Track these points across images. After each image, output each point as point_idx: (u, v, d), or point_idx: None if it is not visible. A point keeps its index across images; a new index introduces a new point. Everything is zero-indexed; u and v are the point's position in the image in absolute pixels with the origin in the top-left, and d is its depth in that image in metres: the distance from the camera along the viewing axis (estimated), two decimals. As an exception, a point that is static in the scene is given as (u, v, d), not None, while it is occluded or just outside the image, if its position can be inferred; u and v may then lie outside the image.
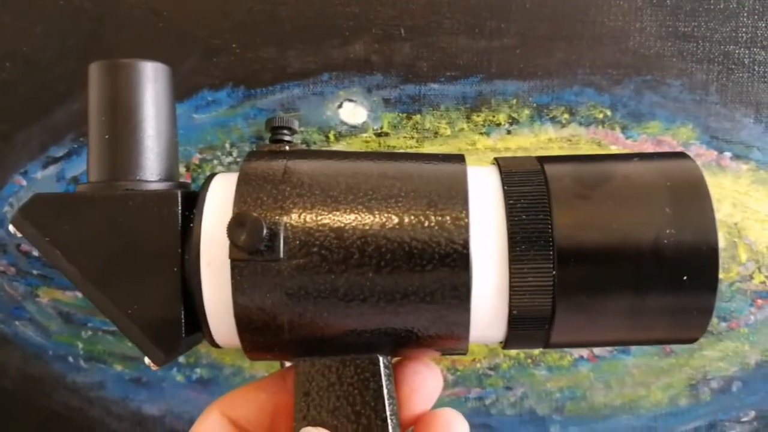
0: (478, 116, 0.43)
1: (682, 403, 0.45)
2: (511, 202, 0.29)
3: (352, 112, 0.43)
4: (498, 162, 0.31)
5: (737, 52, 0.42)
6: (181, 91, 0.43)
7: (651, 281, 0.28)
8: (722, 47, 0.42)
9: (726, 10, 0.41)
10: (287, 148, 0.33)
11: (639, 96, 0.42)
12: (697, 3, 0.41)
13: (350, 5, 0.42)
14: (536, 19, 0.41)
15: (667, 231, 0.28)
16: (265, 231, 0.28)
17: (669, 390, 0.45)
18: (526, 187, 0.29)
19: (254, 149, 0.33)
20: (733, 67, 0.42)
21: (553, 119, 0.42)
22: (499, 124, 0.43)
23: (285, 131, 0.34)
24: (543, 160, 0.31)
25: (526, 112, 0.42)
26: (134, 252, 0.30)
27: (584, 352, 0.45)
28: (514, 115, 0.42)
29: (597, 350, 0.45)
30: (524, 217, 0.29)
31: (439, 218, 0.29)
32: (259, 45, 0.42)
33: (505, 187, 0.30)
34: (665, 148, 0.43)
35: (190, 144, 0.43)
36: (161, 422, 0.47)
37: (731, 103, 0.42)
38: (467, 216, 0.29)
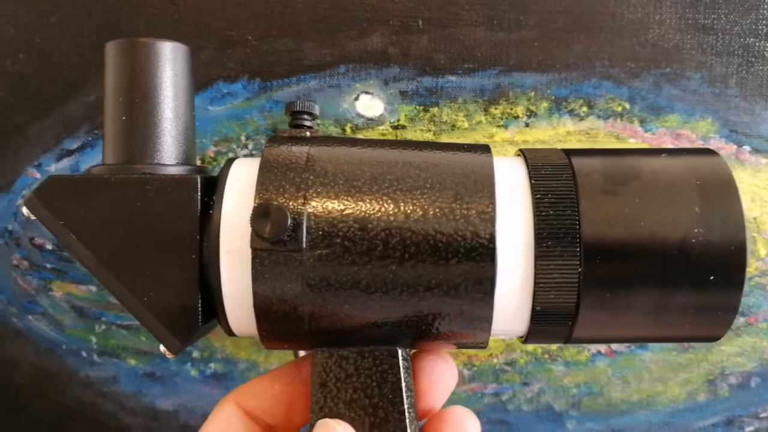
0: (496, 109, 0.42)
1: (700, 399, 0.45)
2: (539, 196, 0.29)
3: (369, 105, 0.43)
4: (524, 154, 0.31)
5: (757, 44, 0.41)
6: (196, 83, 0.43)
7: (677, 280, 0.28)
8: (742, 40, 0.41)
9: (746, 2, 0.41)
10: (308, 133, 0.32)
11: (658, 89, 0.42)
12: (717, -5, 0.41)
13: (367, -3, 0.41)
14: (555, 11, 0.41)
15: (696, 230, 0.28)
16: (289, 221, 0.27)
17: (687, 385, 0.45)
18: (554, 181, 0.29)
19: (275, 134, 0.32)
20: (753, 60, 0.41)
21: (571, 112, 0.42)
22: (517, 117, 0.42)
23: (306, 116, 0.33)
24: (570, 153, 0.31)
25: (545, 104, 0.42)
26: (151, 237, 0.29)
27: (602, 347, 0.44)
28: (533, 107, 0.42)
29: (614, 345, 0.44)
30: (551, 212, 0.28)
31: (465, 211, 0.28)
32: (276, 37, 0.42)
33: (533, 181, 0.29)
34: (684, 142, 0.42)
35: (206, 136, 0.43)
36: (175, 417, 0.47)
37: (751, 97, 0.42)
38: (494, 210, 0.28)
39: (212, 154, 0.43)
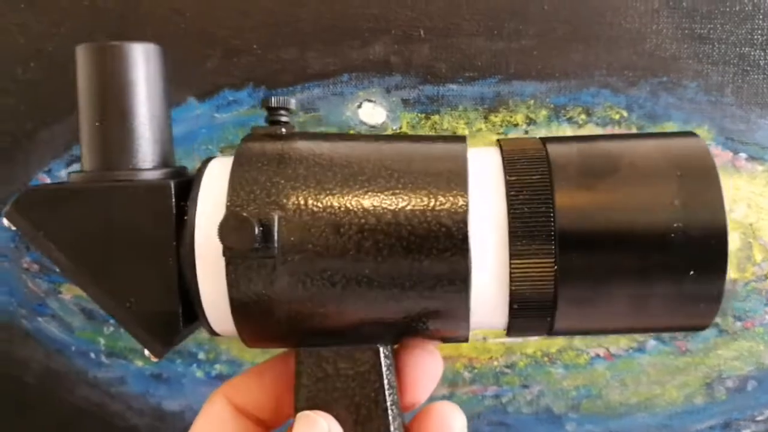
0: (495, 117, 0.43)
1: (698, 402, 0.46)
2: (513, 193, 0.28)
3: (372, 112, 0.43)
4: (500, 145, 0.30)
5: (753, 54, 0.42)
6: (202, 90, 0.43)
7: (657, 274, 0.28)
8: (738, 49, 0.42)
9: (742, 12, 0.42)
10: (284, 130, 0.31)
11: (655, 97, 0.43)
12: (713, 5, 0.42)
13: (370, 7, 0.42)
14: (554, 20, 0.42)
15: (675, 225, 0.27)
16: (257, 231, 0.27)
17: (684, 389, 0.45)
18: (529, 176, 0.28)
19: (252, 130, 0.32)
20: (749, 68, 0.42)
21: (570, 120, 0.43)
22: (516, 125, 0.43)
23: (282, 111, 0.32)
24: (547, 142, 0.30)
25: (544, 112, 0.43)
26: (129, 244, 0.29)
27: (600, 350, 0.45)
28: (532, 115, 0.43)
29: (613, 349, 0.45)
30: (526, 209, 0.28)
31: (438, 211, 0.28)
32: (280, 45, 0.43)
33: (507, 177, 0.29)
34: (681, 149, 0.43)
35: (212, 143, 0.44)
36: (181, 417, 0.47)
37: (747, 105, 0.42)
38: (466, 209, 0.28)
39: (218, 161, 0.44)
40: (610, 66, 0.42)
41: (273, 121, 0.32)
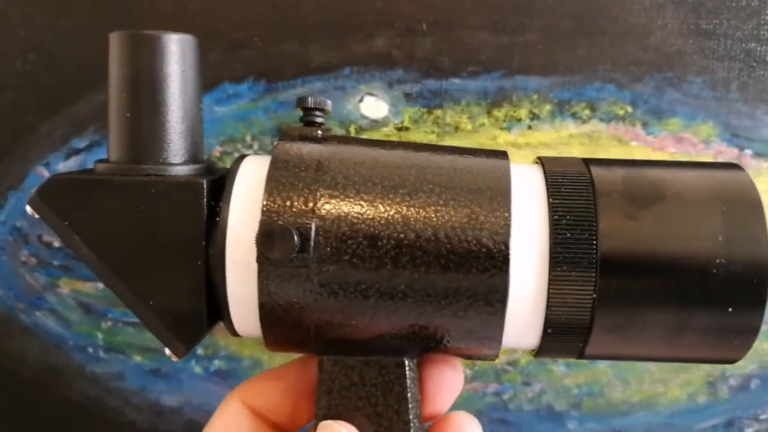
0: (499, 111, 0.43)
1: (701, 401, 0.45)
2: (556, 217, 0.28)
3: (373, 107, 0.43)
4: (543, 164, 0.30)
5: (759, 49, 0.42)
6: (203, 83, 0.43)
7: (695, 307, 0.27)
8: (744, 45, 0.42)
9: (748, 7, 0.41)
10: (319, 132, 0.31)
11: (660, 93, 0.42)
12: (719, 0, 0.41)
13: (373, 0, 0.42)
14: (558, 15, 0.42)
15: (717, 260, 0.27)
16: (296, 240, 0.27)
17: (687, 387, 0.45)
18: (573, 201, 0.28)
19: (286, 129, 0.31)
20: (755, 64, 0.42)
21: (574, 115, 0.43)
22: (519, 120, 0.43)
23: (318, 113, 0.31)
24: (591, 165, 0.29)
25: (547, 107, 0.43)
26: (157, 241, 0.29)
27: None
28: (535, 110, 0.43)
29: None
30: (569, 235, 0.27)
31: (479, 229, 0.27)
32: (282, 39, 0.42)
33: (551, 200, 0.28)
34: (686, 145, 0.43)
35: (212, 136, 0.44)
36: (179, 413, 0.47)
37: (752, 101, 0.42)
38: (508, 231, 0.27)
39: (218, 154, 0.44)
40: (615, 61, 0.42)
41: (308, 122, 0.31)
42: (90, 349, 0.47)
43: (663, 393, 0.45)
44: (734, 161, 0.42)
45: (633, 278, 0.27)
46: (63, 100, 0.44)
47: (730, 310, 0.27)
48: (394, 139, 0.43)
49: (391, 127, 0.43)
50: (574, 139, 0.43)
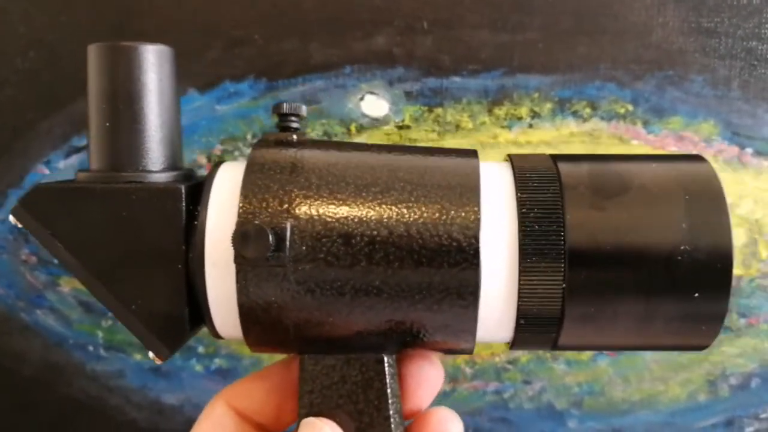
0: (499, 110, 0.43)
1: (701, 399, 0.45)
2: (524, 210, 0.28)
3: (374, 105, 0.43)
4: (512, 161, 0.31)
5: (760, 48, 0.42)
6: (203, 82, 0.43)
7: (662, 295, 0.28)
8: (745, 43, 0.42)
9: (749, 6, 0.41)
10: (295, 137, 0.31)
11: (661, 91, 0.42)
12: (721, -2, 0.41)
13: (373, -2, 0.42)
14: (559, 13, 0.41)
15: (682, 247, 0.28)
16: (271, 239, 0.27)
17: (687, 385, 0.45)
18: (541, 194, 0.29)
19: (262, 136, 0.32)
20: (756, 63, 0.42)
21: (574, 113, 0.42)
22: (520, 118, 0.43)
23: (293, 118, 0.32)
24: (558, 160, 0.30)
25: (548, 106, 0.42)
26: (137, 247, 0.29)
27: (603, 346, 0.45)
28: (536, 109, 0.43)
29: (615, 345, 0.45)
30: (537, 227, 0.28)
31: (449, 226, 0.28)
32: (282, 37, 0.42)
33: (519, 194, 0.29)
34: (687, 144, 0.43)
35: (212, 135, 0.44)
36: (180, 412, 0.47)
37: (753, 99, 0.42)
38: (478, 225, 0.28)
39: (219, 153, 0.44)
40: (616, 59, 0.42)
41: (284, 128, 0.32)
42: (90, 348, 0.47)
43: (663, 392, 0.45)
44: (735, 159, 0.42)
45: (600, 268, 0.28)
46: (63, 97, 0.44)
47: (696, 295, 0.28)
48: (395, 137, 0.43)
49: (392, 125, 0.43)
50: (575, 137, 0.43)
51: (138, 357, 0.46)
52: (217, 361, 0.46)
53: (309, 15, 0.42)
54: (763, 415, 0.45)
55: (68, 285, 0.46)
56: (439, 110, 0.43)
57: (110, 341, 0.46)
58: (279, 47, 0.43)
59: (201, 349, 0.46)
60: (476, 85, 0.42)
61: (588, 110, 0.42)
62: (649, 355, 0.45)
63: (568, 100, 0.42)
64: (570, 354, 0.45)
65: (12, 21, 0.43)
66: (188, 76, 0.43)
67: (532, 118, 0.43)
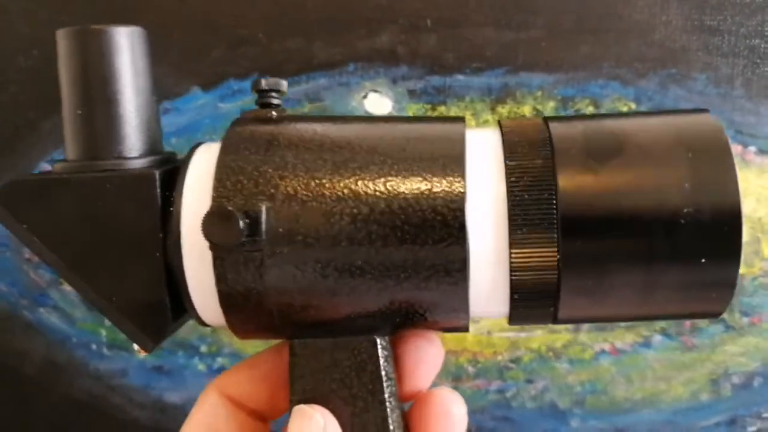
0: (503, 108, 0.43)
1: (703, 398, 0.45)
2: (513, 179, 0.27)
3: (377, 103, 0.43)
4: (500, 126, 0.29)
5: (763, 46, 0.42)
6: (207, 80, 0.43)
7: (665, 261, 0.26)
8: (748, 41, 0.42)
9: (752, 4, 0.41)
10: (274, 113, 0.30)
11: (664, 89, 0.42)
12: (724, -3, 0.41)
13: (377, -4, 0.42)
14: (562, 11, 0.42)
15: (685, 210, 0.25)
16: (242, 225, 0.26)
17: (690, 385, 0.45)
18: (530, 161, 0.27)
19: (241, 113, 0.30)
20: (759, 61, 0.42)
21: (577, 112, 0.43)
22: (523, 116, 0.43)
23: (273, 94, 0.30)
24: (549, 122, 0.28)
25: (551, 104, 0.43)
26: (114, 236, 0.28)
27: (606, 345, 0.45)
28: (539, 107, 0.43)
29: (619, 344, 0.45)
30: (526, 196, 0.26)
31: (433, 198, 0.26)
32: (286, 35, 0.42)
33: (507, 162, 0.27)
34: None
35: (215, 133, 0.44)
36: (182, 410, 0.47)
37: (756, 98, 0.42)
38: (463, 194, 0.26)
39: (222, 151, 0.44)
40: (619, 58, 0.42)
41: (263, 104, 0.30)
42: (93, 346, 0.47)
43: (666, 391, 0.45)
44: (738, 158, 0.42)
45: (597, 235, 0.26)
46: (66, 96, 0.44)
47: (703, 261, 0.26)
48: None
49: (395, 123, 0.43)
50: (578, 135, 0.43)
51: (141, 356, 0.46)
52: (220, 360, 0.46)
53: (313, 13, 0.42)
54: (765, 414, 0.45)
55: (71, 283, 0.46)
56: (442, 108, 0.43)
57: (113, 340, 0.46)
58: (283, 45, 0.43)
59: (203, 348, 0.46)
60: (479, 83, 0.42)
61: (591, 108, 0.42)
62: (651, 354, 0.45)
63: (571, 98, 0.42)
64: (572, 353, 0.45)
65: (14, 20, 0.43)
66: (192, 74, 0.43)
67: (536, 116, 0.43)
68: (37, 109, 0.44)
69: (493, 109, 0.43)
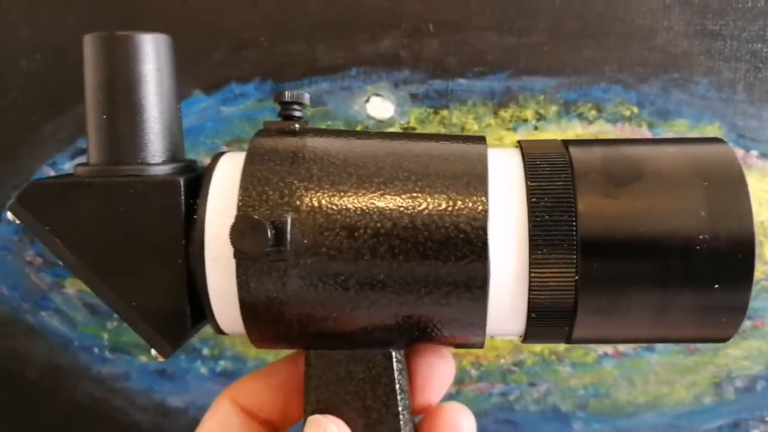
0: (505, 112, 0.43)
1: (706, 402, 0.45)
2: (534, 200, 0.27)
3: (380, 107, 0.43)
4: (521, 147, 0.29)
5: (765, 50, 0.42)
6: (209, 83, 0.43)
7: (680, 285, 0.27)
8: (750, 46, 0.42)
9: (754, 8, 0.41)
10: (297, 126, 0.30)
11: (666, 94, 0.42)
12: (725, 1, 0.41)
13: (379, 0, 0.42)
14: (565, 16, 0.42)
15: (701, 237, 0.26)
16: (270, 234, 0.26)
17: (693, 388, 0.45)
18: (551, 183, 0.28)
19: (264, 124, 0.31)
20: (761, 65, 0.42)
21: (580, 116, 0.43)
22: (526, 120, 0.43)
23: (295, 106, 0.31)
24: (569, 145, 0.29)
25: (554, 108, 0.43)
26: (137, 242, 0.29)
27: (609, 348, 0.45)
28: (542, 111, 0.43)
29: (621, 347, 0.45)
30: (547, 217, 0.27)
31: (456, 215, 0.27)
32: (288, 39, 0.42)
33: (529, 182, 0.28)
34: (692, 146, 0.43)
35: (218, 136, 0.44)
36: (185, 414, 0.47)
37: (758, 102, 0.42)
38: (486, 216, 0.27)
39: (224, 154, 0.44)
40: (621, 62, 0.42)
41: (286, 116, 0.31)
42: (95, 350, 0.47)
43: (669, 394, 0.45)
44: (740, 162, 0.42)
45: (614, 258, 0.27)
46: (68, 99, 0.44)
47: (716, 287, 0.27)
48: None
49: (397, 127, 0.43)
50: (581, 139, 0.43)
51: (143, 359, 0.46)
52: (222, 363, 0.46)
53: (315, 17, 0.42)
54: (768, 418, 0.45)
55: (73, 286, 0.46)
56: (444, 112, 0.43)
57: (115, 343, 0.46)
58: (285, 49, 0.43)
59: (206, 351, 0.46)
60: (482, 87, 0.42)
61: (593, 112, 0.42)
62: (654, 358, 0.45)
63: (573, 102, 0.42)
64: (575, 356, 0.45)
65: (16, 23, 0.43)
66: (194, 77, 0.43)
67: (538, 120, 0.43)
68: (38, 112, 0.44)
69: (495, 113, 0.43)
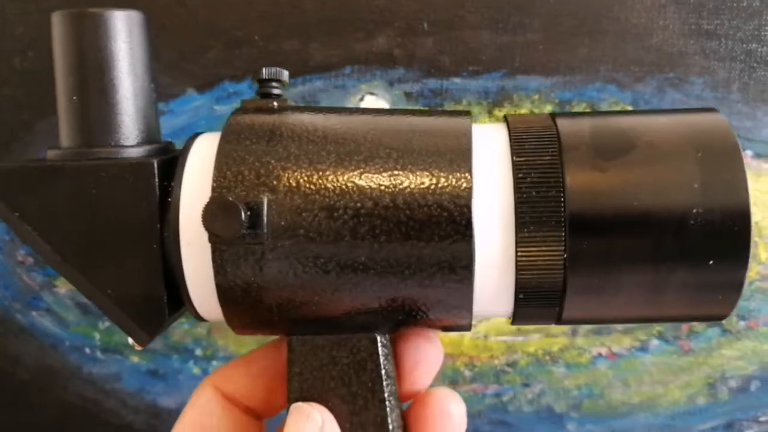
0: (500, 111, 0.43)
1: (700, 402, 0.45)
2: (521, 176, 0.26)
3: (374, 106, 0.43)
4: (507, 121, 0.28)
5: (760, 50, 0.42)
6: (203, 82, 0.43)
7: (673, 261, 0.26)
8: (745, 45, 0.42)
9: (749, 8, 0.41)
10: (275, 104, 0.29)
11: (661, 93, 0.42)
12: (720, 1, 0.41)
13: (374, -1, 0.42)
14: (560, 14, 0.41)
15: (694, 210, 0.25)
16: (243, 217, 0.25)
17: (687, 388, 0.45)
18: (538, 157, 0.26)
19: (242, 103, 0.30)
20: (756, 65, 0.42)
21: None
22: (530, 113, 0.43)
23: (274, 84, 0.30)
24: (557, 118, 0.28)
25: (548, 107, 0.42)
26: (111, 227, 0.28)
27: (603, 349, 0.45)
28: (536, 110, 0.42)
29: (615, 348, 0.45)
30: (534, 193, 0.26)
31: (439, 193, 0.26)
32: (282, 37, 0.42)
33: (514, 158, 0.26)
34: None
35: (211, 135, 0.43)
36: (176, 415, 0.46)
37: (753, 102, 0.42)
38: (470, 190, 0.26)
39: (218, 153, 0.44)
40: (616, 61, 0.42)
41: (264, 94, 0.30)
42: (87, 350, 0.46)
43: (663, 394, 0.45)
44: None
45: (604, 235, 0.26)
46: (61, 98, 0.43)
47: (711, 263, 0.26)
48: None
49: (392, 126, 0.43)
50: (575, 139, 0.43)
51: (135, 359, 0.46)
52: (215, 364, 0.46)
53: (309, 15, 0.42)
54: (762, 418, 0.45)
55: (65, 286, 0.46)
56: (439, 111, 0.43)
57: (107, 343, 0.46)
58: (279, 47, 0.42)
59: (198, 352, 0.46)
60: (477, 87, 0.42)
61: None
62: (648, 358, 0.45)
63: (568, 101, 0.42)
64: (569, 356, 0.45)
65: (10, 21, 0.43)
66: (188, 75, 0.43)
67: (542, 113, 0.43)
68: (32, 110, 0.44)
69: (490, 113, 0.43)
